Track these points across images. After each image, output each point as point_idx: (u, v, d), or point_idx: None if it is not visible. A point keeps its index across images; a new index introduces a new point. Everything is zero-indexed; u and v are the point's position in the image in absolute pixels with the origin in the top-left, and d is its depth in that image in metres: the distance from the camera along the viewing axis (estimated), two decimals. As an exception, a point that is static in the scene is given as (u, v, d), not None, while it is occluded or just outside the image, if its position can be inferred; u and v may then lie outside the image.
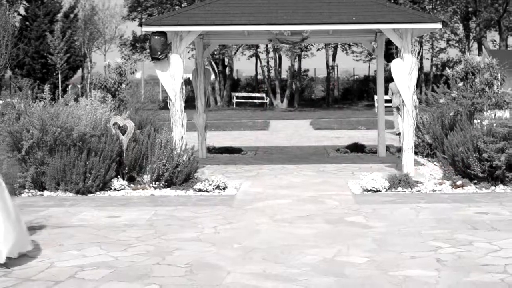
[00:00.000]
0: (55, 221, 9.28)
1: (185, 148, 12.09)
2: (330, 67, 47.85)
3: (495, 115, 12.35)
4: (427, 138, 15.49)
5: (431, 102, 16.74)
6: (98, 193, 11.40)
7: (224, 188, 11.56)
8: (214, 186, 11.44)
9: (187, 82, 38.92)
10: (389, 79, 16.77)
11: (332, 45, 46.46)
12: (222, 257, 7.33)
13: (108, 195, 11.34)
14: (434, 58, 49.88)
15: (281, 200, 10.73)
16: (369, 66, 53.19)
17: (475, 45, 47.06)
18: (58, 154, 11.27)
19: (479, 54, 40.75)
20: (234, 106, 46.54)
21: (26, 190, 11.27)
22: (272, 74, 49.46)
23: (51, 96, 12.00)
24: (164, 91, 40.93)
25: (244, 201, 10.74)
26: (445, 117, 14.39)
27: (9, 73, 42.75)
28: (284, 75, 50.41)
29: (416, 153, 14.79)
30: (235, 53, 48.52)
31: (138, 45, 49.06)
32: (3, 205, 6.99)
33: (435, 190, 11.30)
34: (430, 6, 43.80)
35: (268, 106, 46.24)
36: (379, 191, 11.21)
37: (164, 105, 18.81)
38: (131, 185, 11.80)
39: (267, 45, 45.35)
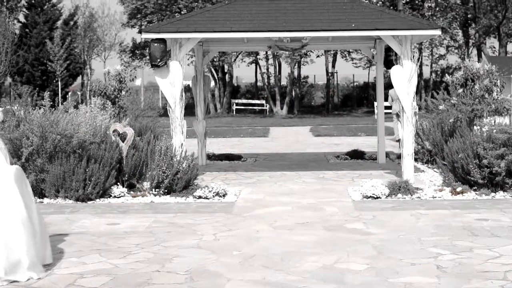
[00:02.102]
0: (55, 228, 9.26)
1: (185, 155, 12.08)
2: (329, 74, 47.87)
3: (494, 122, 12.36)
4: (427, 144, 15.49)
5: (430, 108, 16.76)
6: (98, 200, 11.39)
7: (224, 195, 11.55)
8: (214, 193, 11.43)
9: (187, 89, 38.98)
10: (388, 85, 16.79)
11: (332, 52, 46.50)
12: (222, 264, 7.32)
13: (108, 202, 11.33)
14: (433, 65, 49.94)
15: (281, 207, 10.72)
16: (368, 73, 53.21)
17: (475, 51, 47.13)
18: (58, 161, 11.27)
19: (479, 61, 40.74)
20: (234, 113, 46.56)
21: (26, 197, 11.24)
22: (272, 81, 49.50)
23: (51, 103, 12.00)
24: (164, 98, 40.86)
25: (244, 208, 10.73)
26: (445, 123, 14.40)
27: (9, 80, 42.79)
28: (283, 81, 50.45)
29: (416, 159, 14.79)
30: (235, 60, 48.56)
31: (137, 52, 49.09)
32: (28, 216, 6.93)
33: (435, 197, 11.29)
34: (430, 13, 43.90)
35: (268, 113, 46.26)
36: (379, 197, 11.20)
37: (164, 112, 18.79)
38: (131, 192, 11.79)
39: (266, 52, 45.40)
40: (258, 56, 49.21)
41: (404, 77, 12.35)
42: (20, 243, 6.77)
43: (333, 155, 17.94)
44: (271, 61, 48.58)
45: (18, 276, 6.72)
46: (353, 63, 51.28)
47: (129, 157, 12.11)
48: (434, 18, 42.73)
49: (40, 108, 11.91)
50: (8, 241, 6.70)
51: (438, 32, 12.38)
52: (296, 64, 46.57)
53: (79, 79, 48.32)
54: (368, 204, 10.85)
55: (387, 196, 11.26)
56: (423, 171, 14.49)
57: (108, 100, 13.31)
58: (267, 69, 49.44)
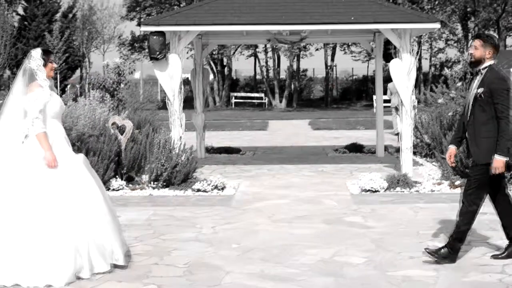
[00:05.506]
0: (54, 221, 9.25)
1: (184, 148, 12.08)
2: (328, 67, 47.87)
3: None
4: (426, 138, 15.49)
5: (429, 102, 16.76)
6: (96, 193, 11.37)
7: (222, 188, 11.55)
8: (212, 186, 11.43)
9: (186, 82, 38.93)
10: (387, 79, 16.79)
11: (331, 45, 46.48)
12: (221, 257, 7.33)
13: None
14: (432, 58, 49.90)
15: (279, 200, 10.73)
16: (367, 66, 53.23)
17: (474, 45, 47.00)
18: (57, 154, 11.24)
19: (478, 54, 40.42)
20: (233, 106, 46.56)
21: (25, 190, 11.22)
22: (271, 74, 49.49)
23: (50, 96, 11.96)
24: (162, 91, 40.90)
25: (243, 201, 10.74)
26: (444, 117, 14.41)
27: (7, 73, 42.73)
28: (282, 75, 50.44)
29: (414, 153, 14.78)
30: (234, 53, 48.56)
31: (136, 45, 49.11)
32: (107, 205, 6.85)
33: (434, 190, 11.30)
34: (429, 6, 43.83)
35: (266, 106, 46.26)
36: (378, 191, 11.21)
37: (163, 105, 18.78)
38: (130, 185, 11.80)
39: (265, 45, 45.38)
40: (257, 49, 49.23)
41: (403, 70, 12.34)
42: (106, 229, 6.65)
43: (332, 148, 17.95)
44: (270, 54, 48.58)
45: (106, 262, 6.64)
46: (352, 56, 51.33)
47: (128, 150, 12.11)
48: (433, 11, 42.68)
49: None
50: (94, 229, 6.56)
51: (437, 25, 12.36)
52: (295, 57, 46.55)
53: (78, 72, 48.32)
54: (367, 197, 10.86)
55: (385, 190, 11.27)
56: (421, 164, 14.49)
57: (107, 93, 13.32)
58: (266, 62, 49.43)
